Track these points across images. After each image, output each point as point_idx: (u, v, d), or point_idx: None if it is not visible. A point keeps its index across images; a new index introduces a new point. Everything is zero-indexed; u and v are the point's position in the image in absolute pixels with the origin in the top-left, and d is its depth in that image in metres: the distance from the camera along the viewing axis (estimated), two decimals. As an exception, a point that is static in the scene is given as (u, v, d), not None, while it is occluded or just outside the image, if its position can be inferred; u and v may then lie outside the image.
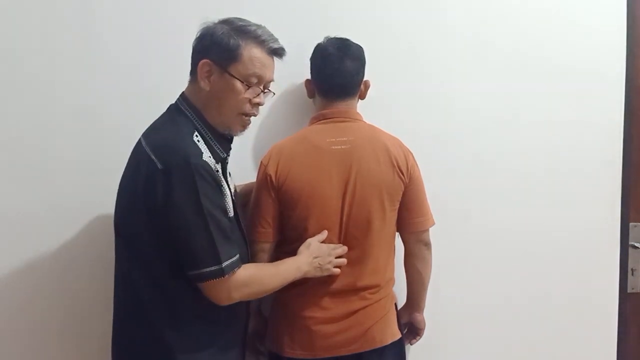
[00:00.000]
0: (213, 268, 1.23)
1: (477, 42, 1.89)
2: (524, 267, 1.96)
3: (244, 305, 1.42)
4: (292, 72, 1.70)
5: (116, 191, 1.35)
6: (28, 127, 1.62)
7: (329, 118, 1.56)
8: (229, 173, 1.43)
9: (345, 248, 1.51)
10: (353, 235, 1.51)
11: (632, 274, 2.04)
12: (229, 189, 1.34)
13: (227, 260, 1.24)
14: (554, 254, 1.97)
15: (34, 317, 1.65)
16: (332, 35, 1.62)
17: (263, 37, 1.31)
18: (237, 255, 1.28)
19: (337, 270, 1.49)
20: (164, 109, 1.38)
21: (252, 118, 1.41)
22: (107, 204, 1.38)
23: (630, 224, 2.03)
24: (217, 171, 1.28)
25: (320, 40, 1.62)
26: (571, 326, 2.00)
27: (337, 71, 1.55)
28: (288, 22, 1.73)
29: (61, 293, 1.66)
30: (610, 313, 2.04)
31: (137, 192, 1.24)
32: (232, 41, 1.28)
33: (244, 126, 1.36)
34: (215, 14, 1.69)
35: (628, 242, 2.03)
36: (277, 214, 1.52)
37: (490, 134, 1.91)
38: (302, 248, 1.46)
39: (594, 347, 2.03)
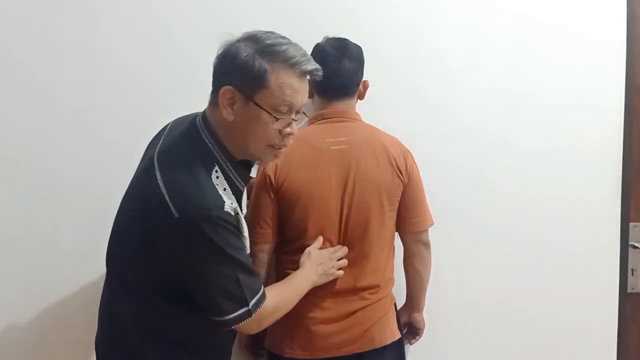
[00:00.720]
0: (240, 312, 1.17)
1: (477, 42, 1.89)
2: (524, 267, 1.95)
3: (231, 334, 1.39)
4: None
5: (113, 193, 1.31)
6: (27, 131, 1.62)
7: (328, 118, 1.56)
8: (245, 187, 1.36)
9: (345, 249, 1.51)
10: (352, 235, 1.51)
11: (632, 274, 2.03)
12: (243, 217, 1.27)
13: (253, 298, 1.18)
14: (554, 254, 1.97)
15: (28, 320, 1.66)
16: (332, 35, 1.62)
17: (295, 59, 1.13)
18: (262, 288, 1.22)
19: (341, 272, 1.49)
20: (164, 112, 1.36)
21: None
22: (103, 208, 1.38)
23: (630, 224, 2.03)
24: (237, 214, 1.18)
25: (320, 40, 1.62)
26: (571, 326, 1.99)
27: (336, 71, 1.54)
28: (287, 22, 1.72)
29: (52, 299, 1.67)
30: (610, 313, 2.04)
31: (142, 223, 1.15)
32: (257, 65, 1.11)
33: (276, 156, 1.24)
34: (214, 15, 1.71)
35: (628, 242, 2.03)
36: (276, 214, 1.52)
37: (489, 133, 1.91)
38: (303, 259, 1.45)
39: (594, 347, 2.02)
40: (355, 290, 1.52)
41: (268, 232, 1.52)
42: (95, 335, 1.34)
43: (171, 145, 1.21)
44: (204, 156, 1.18)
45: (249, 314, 1.17)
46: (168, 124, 1.32)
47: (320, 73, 1.20)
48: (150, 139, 1.34)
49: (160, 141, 1.24)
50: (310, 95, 1.65)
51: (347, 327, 1.51)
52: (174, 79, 1.68)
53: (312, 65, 1.17)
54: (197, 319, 1.21)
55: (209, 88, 1.22)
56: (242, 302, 1.17)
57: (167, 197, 1.10)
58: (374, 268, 1.53)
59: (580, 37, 1.95)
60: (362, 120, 1.60)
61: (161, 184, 1.12)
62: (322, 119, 1.56)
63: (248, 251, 1.26)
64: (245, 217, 1.31)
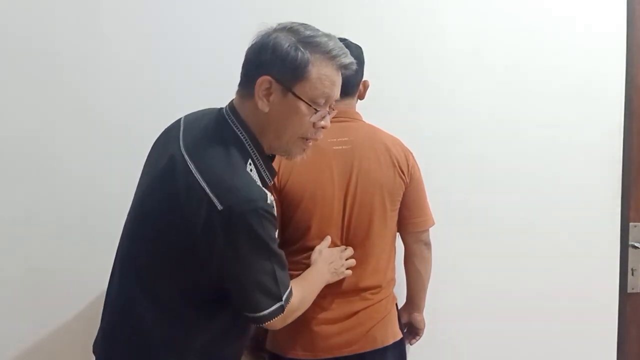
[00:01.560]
0: (275, 307, 1.15)
1: (477, 42, 1.89)
2: (524, 267, 1.96)
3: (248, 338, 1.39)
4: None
5: (114, 192, 1.31)
6: (29, 128, 1.61)
7: (329, 117, 1.56)
8: None
9: (351, 250, 1.50)
10: (355, 235, 1.50)
11: (632, 274, 2.04)
12: None
13: (285, 292, 1.17)
14: (554, 254, 1.98)
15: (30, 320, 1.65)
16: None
17: (335, 51, 1.13)
18: (290, 283, 1.21)
19: (349, 272, 1.49)
20: (165, 109, 1.35)
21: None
22: (104, 205, 1.37)
23: (630, 224, 2.03)
24: (274, 207, 1.14)
25: (320, 40, 1.61)
26: (571, 326, 2.00)
27: None
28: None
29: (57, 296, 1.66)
30: (610, 313, 2.04)
31: (176, 229, 1.10)
32: (300, 55, 1.10)
33: (304, 150, 1.22)
34: (216, 15, 1.70)
35: (628, 242, 2.04)
36: (279, 215, 1.51)
37: (490, 133, 1.91)
38: (315, 257, 1.44)
39: (594, 347, 2.03)
40: (357, 291, 1.51)
41: (270, 233, 1.52)
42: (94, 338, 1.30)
43: (200, 139, 1.16)
44: (238, 148, 1.14)
45: (282, 309, 1.16)
46: (178, 122, 1.25)
47: (355, 67, 1.19)
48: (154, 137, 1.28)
49: (181, 138, 1.17)
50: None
51: (349, 328, 1.50)
52: (177, 78, 1.68)
53: (349, 59, 1.16)
54: (218, 324, 1.20)
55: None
56: (277, 297, 1.15)
57: (208, 190, 1.06)
58: (376, 268, 1.53)
59: (581, 37, 1.96)
60: (363, 120, 1.60)
61: (198, 177, 1.07)
62: (324, 119, 1.56)
63: None
64: None
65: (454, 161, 1.89)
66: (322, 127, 1.19)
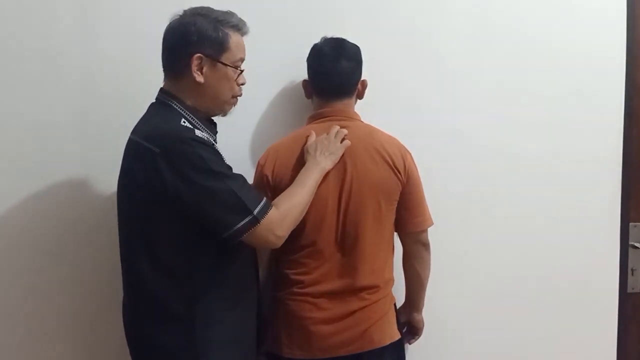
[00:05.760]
0: (247, 220, 1.25)
1: (477, 41, 1.89)
2: (524, 267, 1.95)
3: (252, 279, 1.45)
4: (290, 72, 1.72)
5: (114, 189, 1.36)
6: (27, 127, 1.62)
7: (326, 117, 1.56)
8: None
9: (345, 131, 1.51)
10: (350, 234, 1.50)
11: (632, 274, 2.03)
12: None
13: (256, 207, 1.26)
14: (554, 254, 1.97)
15: (38, 319, 1.66)
16: (331, 35, 1.62)
17: (239, 24, 1.38)
18: (265, 199, 1.31)
19: (348, 142, 1.49)
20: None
21: (251, 118, 1.57)
22: (107, 202, 1.39)
23: (630, 224, 2.03)
24: (214, 145, 1.31)
25: (318, 40, 1.62)
26: (571, 326, 1.99)
27: (333, 71, 1.55)
28: (287, 22, 1.74)
29: (66, 295, 1.67)
30: (610, 313, 2.03)
31: (137, 182, 1.26)
32: (221, 34, 1.33)
33: (234, 105, 1.43)
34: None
35: (628, 242, 2.03)
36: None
37: (489, 133, 1.90)
38: (306, 155, 1.49)
39: (594, 347, 2.02)
40: (354, 291, 1.51)
41: (266, 231, 1.52)
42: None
43: (139, 120, 1.35)
44: (171, 114, 1.32)
45: (256, 220, 1.26)
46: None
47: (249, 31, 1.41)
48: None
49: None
50: (309, 96, 1.66)
51: (345, 328, 1.50)
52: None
53: (245, 25, 1.39)
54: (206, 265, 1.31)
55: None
56: (245, 211, 1.25)
57: (145, 143, 1.25)
58: (373, 268, 1.53)
59: (581, 36, 1.95)
60: (361, 120, 1.61)
61: (138, 139, 1.27)
62: (321, 118, 1.57)
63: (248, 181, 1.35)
64: None
65: (453, 161, 1.88)
66: (243, 84, 1.41)
